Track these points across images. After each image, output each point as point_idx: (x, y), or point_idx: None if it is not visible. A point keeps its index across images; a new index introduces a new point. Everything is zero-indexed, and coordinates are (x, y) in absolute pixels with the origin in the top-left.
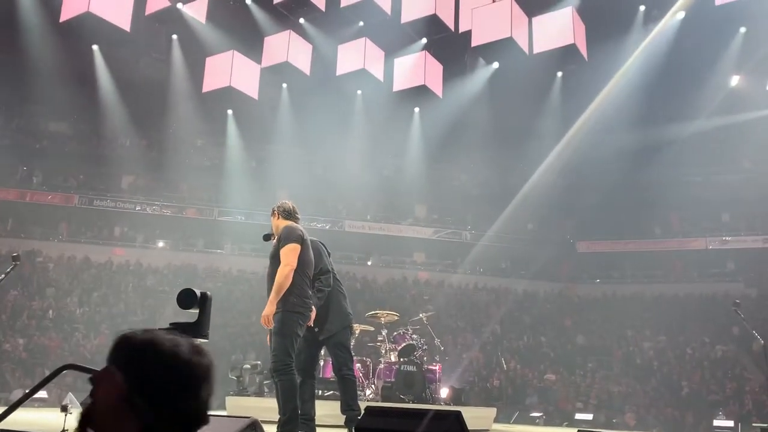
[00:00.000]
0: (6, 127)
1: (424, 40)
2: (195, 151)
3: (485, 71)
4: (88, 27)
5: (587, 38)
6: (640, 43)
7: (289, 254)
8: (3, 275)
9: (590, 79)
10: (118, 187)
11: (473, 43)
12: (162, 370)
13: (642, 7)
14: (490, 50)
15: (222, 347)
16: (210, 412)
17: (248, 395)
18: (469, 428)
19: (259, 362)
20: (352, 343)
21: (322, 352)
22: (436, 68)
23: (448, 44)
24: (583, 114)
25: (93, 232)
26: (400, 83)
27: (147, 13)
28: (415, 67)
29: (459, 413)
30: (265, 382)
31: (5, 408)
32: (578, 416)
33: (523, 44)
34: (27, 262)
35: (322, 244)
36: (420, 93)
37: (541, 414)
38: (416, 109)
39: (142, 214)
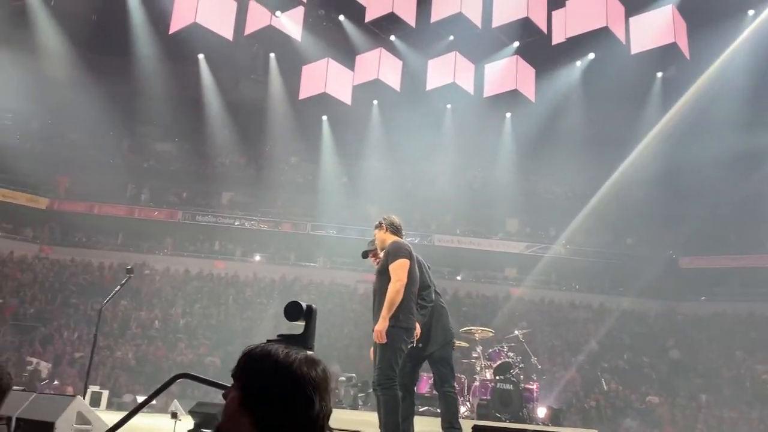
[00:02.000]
0: (117, 148)
1: (516, 44)
2: (290, 168)
3: (579, 73)
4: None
5: (689, 37)
6: (744, 41)
7: (400, 270)
8: (119, 286)
9: (691, 80)
10: (218, 203)
11: (567, 34)
12: (275, 380)
13: (749, 8)
14: (584, 46)
15: (330, 361)
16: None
17: (343, 407)
18: None
19: (354, 375)
20: None
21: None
22: (528, 72)
23: (540, 47)
24: (683, 118)
25: (195, 246)
26: (491, 89)
27: (246, 32)
28: (506, 71)
29: None
30: (359, 395)
31: (123, 415)
32: None
33: (620, 36)
34: (136, 275)
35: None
36: (512, 98)
37: None
38: (508, 115)
39: (240, 229)
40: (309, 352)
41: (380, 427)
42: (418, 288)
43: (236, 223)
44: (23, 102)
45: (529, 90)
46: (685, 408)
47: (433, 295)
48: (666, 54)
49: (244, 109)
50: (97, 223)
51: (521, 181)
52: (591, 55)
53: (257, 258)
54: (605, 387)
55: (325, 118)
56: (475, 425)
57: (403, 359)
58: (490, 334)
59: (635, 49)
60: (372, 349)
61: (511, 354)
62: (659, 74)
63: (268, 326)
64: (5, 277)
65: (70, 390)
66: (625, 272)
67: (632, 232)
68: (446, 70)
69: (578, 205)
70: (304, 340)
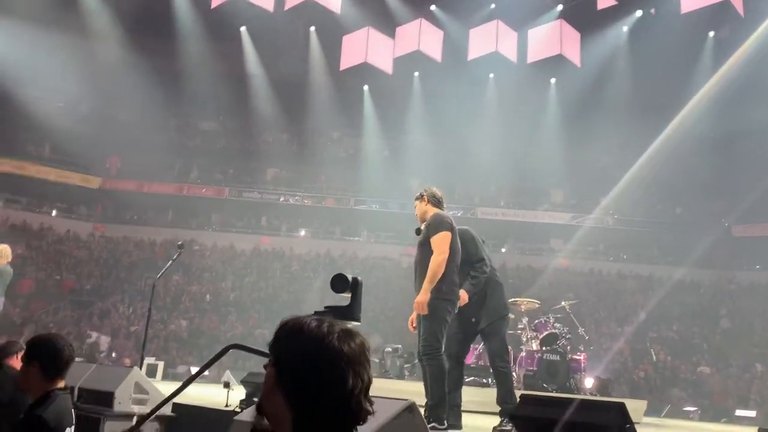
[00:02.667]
0: (164, 127)
1: (560, 7)
2: (332, 143)
3: (626, 35)
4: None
5: None
6: None
7: (442, 242)
8: (170, 262)
9: (745, 40)
10: (263, 180)
11: None
12: (308, 357)
13: None
14: (632, 6)
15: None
16: (371, 408)
17: (390, 378)
18: None
19: (399, 346)
20: None
21: None
22: (572, 36)
23: (585, 10)
24: (735, 80)
25: (242, 222)
26: (534, 54)
27: (286, 7)
28: (550, 36)
29: (622, 404)
30: (405, 366)
31: (176, 384)
32: (739, 413)
33: None
34: (186, 250)
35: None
36: (556, 64)
37: (695, 409)
38: (552, 80)
39: (285, 205)
40: (346, 325)
41: (426, 396)
42: (473, 260)
43: (281, 199)
44: (74, 84)
45: (574, 54)
46: (738, 378)
47: (487, 269)
48: (718, 12)
49: (286, 85)
50: (147, 200)
51: (566, 150)
52: (638, 13)
53: (302, 233)
54: (654, 357)
55: (366, 88)
56: (522, 394)
57: (455, 331)
58: (536, 306)
59: (686, 7)
60: (411, 320)
61: (557, 325)
62: (711, 34)
63: (314, 299)
64: (62, 254)
65: (127, 362)
66: (674, 242)
67: (682, 200)
68: (488, 38)
69: (628, 174)
70: (351, 311)
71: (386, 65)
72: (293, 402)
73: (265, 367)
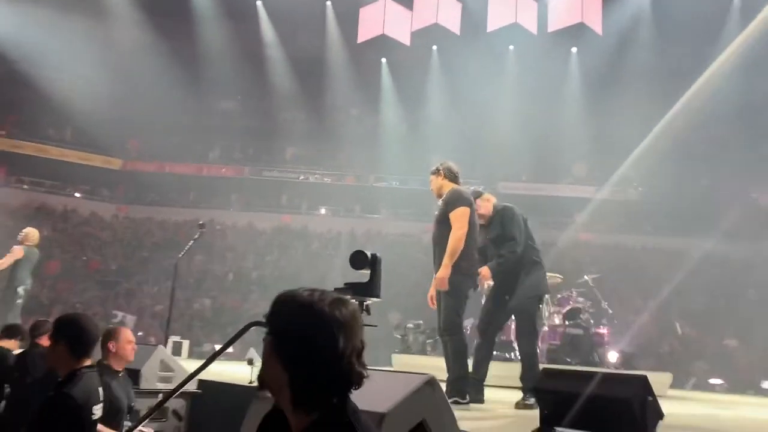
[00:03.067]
0: (183, 108)
1: None
2: (350, 120)
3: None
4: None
5: None
6: None
7: (461, 218)
8: (192, 241)
9: None
10: (282, 159)
11: None
12: (298, 321)
13: None
14: None
15: (382, 308)
16: (365, 372)
17: (412, 353)
18: None
19: (421, 322)
20: None
21: None
22: (594, 3)
23: None
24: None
25: (263, 201)
26: (555, 23)
27: None
28: (570, 4)
29: (645, 377)
30: (427, 342)
31: (202, 362)
32: (765, 384)
33: None
34: (208, 230)
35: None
36: (577, 32)
37: (721, 381)
38: (573, 50)
39: (305, 183)
40: (338, 294)
41: (448, 371)
42: (502, 238)
43: (301, 178)
44: (93, 67)
45: (595, 22)
46: (765, 350)
47: (518, 248)
48: None
49: (304, 62)
50: (169, 181)
51: (589, 122)
52: None
53: (323, 211)
54: (679, 331)
55: (384, 60)
56: (544, 368)
57: (488, 308)
58: (559, 280)
59: None
60: (430, 296)
61: (580, 299)
62: None
63: (336, 276)
64: (87, 236)
65: (153, 340)
66: (700, 213)
67: (708, 171)
68: (507, 9)
69: (650, 145)
70: (370, 288)
71: (404, 37)
72: (289, 367)
73: (264, 340)
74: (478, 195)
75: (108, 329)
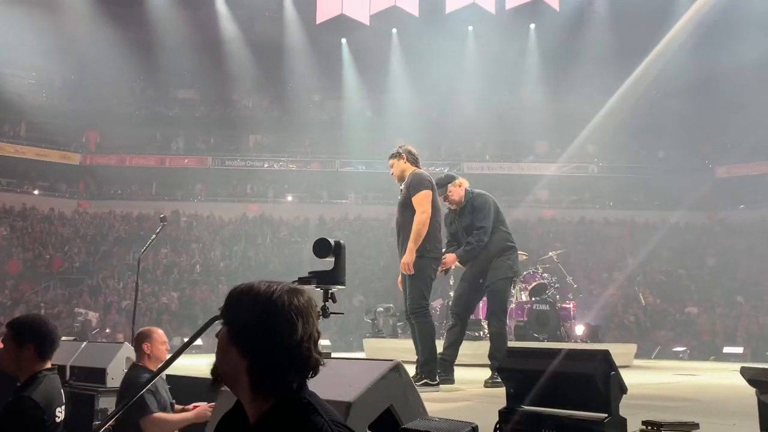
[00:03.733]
0: (141, 98)
1: None
2: (313, 106)
3: None
4: None
5: None
6: None
7: (424, 201)
8: (154, 235)
9: None
10: (246, 147)
11: None
12: (256, 309)
13: None
14: None
15: (350, 292)
16: (321, 359)
17: (383, 337)
18: None
19: (391, 305)
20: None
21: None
22: None
23: None
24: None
25: (228, 191)
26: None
27: None
28: None
29: (607, 352)
30: (398, 324)
31: (169, 356)
32: (726, 350)
33: None
34: (173, 222)
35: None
36: (535, 9)
37: (684, 348)
38: (532, 26)
39: (269, 171)
40: (293, 284)
41: (417, 353)
42: (472, 226)
43: (265, 165)
44: (45, 59)
45: None
46: (725, 317)
47: (486, 237)
48: None
49: (263, 47)
50: (130, 174)
51: (549, 100)
52: None
53: (289, 198)
54: (643, 301)
55: (344, 41)
56: (509, 347)
57: (462, 291)
58: (524, 257)
59: None
60: (399, 279)
61: (546, 275)
62: None
63: (305, 263)
64: (48, 233)
65: (120, 337)
66: (659, 186)
67: (665, 144)
68: None
69: (608, 121)
70: (335, 275)
71: (363, 17)
72: (248, 355)
73: (217, 335)
74: (450, 180)
75: (142, 331)
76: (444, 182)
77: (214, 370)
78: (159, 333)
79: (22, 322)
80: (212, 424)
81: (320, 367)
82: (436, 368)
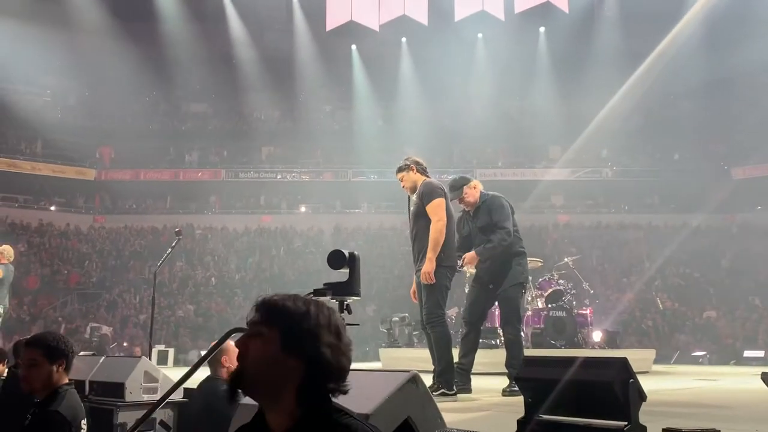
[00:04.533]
0: (154, 113)
1: None
2: (325, 116)
3: None
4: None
5: None
6: None
7: (438, 210)
8: (170, 249)
9: None
10: (258, 159)
11: None
12: (309, 319)
13: None
14: None
15: (365, 302)
16: (351, 367)
17: (399, 346)
18: None
19: (406, 314)
20: None
21: None
22: None
23: None
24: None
25: (241, 203)
26: (522, 3)
27: None
28: None
29: (625, 359)
30: (414, 333)
31: (187, 369)
32: (747, 353)
33: None
34: (187, 235)
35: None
36: (544, 12)
37: (704, 353)
38: (542, 29)
39: (282, 182)
40: (314, 297)
41: (434, 362)
42: (492, 227)
43: (278, 177)
44: (59, 77)
45: (561, 0)
46: (746, 320)
47: (508, 239)
48: None
49: (273, 60)
50: (144, 189)
51: (561, 104)
52: None
53: (303, 209)
54: (661, 306)
55: (354, 47)
56: (525, 356)
57: (474, 298)
58: (540, 264)
59: None
60: (412, 289)
61: (561, 281)
62: None
63: (320, 274)
64: (65, 249)
65: (137, 351)
66: (674, 188)
67: (679, 146)
68: None
69: (622, 126)
70: (350, 286)
71: (373, 23)
72: (302, 361)
73: (238, 347)
74: (466, 182)
75: (221, 347)
76: (459, 185)
77: (240, 379)
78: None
79: (50, 340)
80: None
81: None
82: (453, 378)
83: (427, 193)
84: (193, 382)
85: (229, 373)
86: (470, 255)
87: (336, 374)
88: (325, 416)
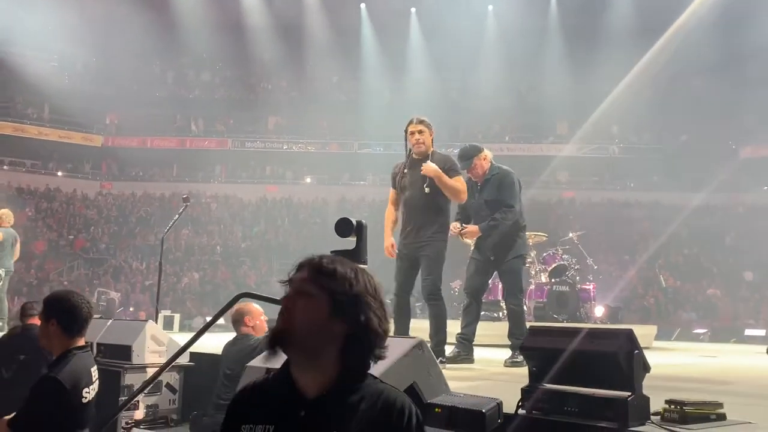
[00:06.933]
0: (162, 80)
1: None
2: (332, 87)
3: None
4: None
5: None
6: None
7: (462, 183)
8: (177, 216)
9: None
10: (265, 129)
11: None
12: (360, 285)
13: None
14: None
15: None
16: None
17: None
18: None
19: None
20: None
21: None
22: None
23: None
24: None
25: (247, 172)
26: None
27: None
28: None
29: (630, 331)
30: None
31: (192, 334)
32: (748, 332)
33: None
34: (193, 204)
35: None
36: None
37: (705, 330)
38: (553, 1)
39: (289, 152)
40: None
41: (430, 334)
42: (500, 203)
43: (284, 147)
44: (67, 42)
45: None
46: (748, 300)
47: (513, 217)
48: None
49: (281, 30)
50: (151, 156)
51: (570, 80)
52: None
53: (308, 180)
54: (664, 283)
55: (363, 6)
56: (531, 326)
57: (474, 269)
58: (544, 239)
59: None
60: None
61: (565, 256)
62: None
63: (324, 245)
64: (72, 215)
65: (142, 315)
66: (681, 167)
67: (687, 124)
68: None
69: (630, 102)
70: (357, 254)
71: None
72: (352, 325)
73: (288, 301)
74: (477, 152)
75: (239, 308)
76: (470, 155)
77: (285, 336)
78: (256, 307)
79: (49, 298)
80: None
81: None
82: (444, 350)
83: (453, 166)
84: (200, 346)
85: (271, 329)
86: (473, 229)
87: (380, 340)
88: (361, 381)
